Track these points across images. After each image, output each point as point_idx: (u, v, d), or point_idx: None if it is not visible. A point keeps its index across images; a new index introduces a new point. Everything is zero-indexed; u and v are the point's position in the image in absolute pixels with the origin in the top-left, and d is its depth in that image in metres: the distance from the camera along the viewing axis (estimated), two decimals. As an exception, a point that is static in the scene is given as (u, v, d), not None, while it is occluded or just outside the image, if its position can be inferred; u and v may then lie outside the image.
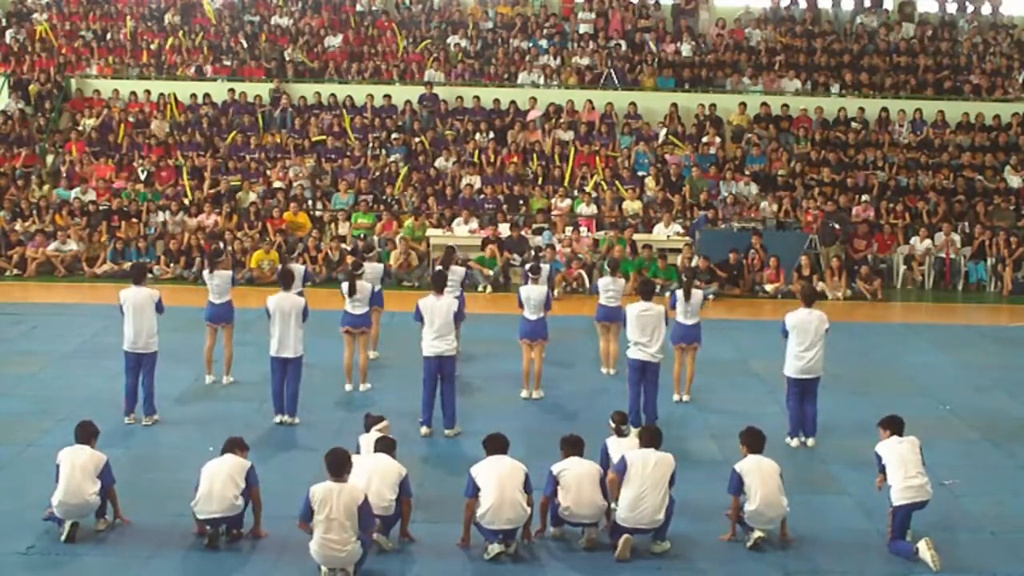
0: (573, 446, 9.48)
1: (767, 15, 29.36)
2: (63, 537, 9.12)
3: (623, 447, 9.67)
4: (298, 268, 14.51)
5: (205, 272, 14.14)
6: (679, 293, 13.41)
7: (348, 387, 13.67)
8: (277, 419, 12.27)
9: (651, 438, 9.48)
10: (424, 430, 12.06)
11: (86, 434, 9.53)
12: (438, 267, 14.57)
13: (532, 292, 13.64)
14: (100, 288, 20.56)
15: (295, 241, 21.74)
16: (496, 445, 9.37)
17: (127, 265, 21.36)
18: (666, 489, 9.18)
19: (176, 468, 10.73)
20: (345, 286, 13.56)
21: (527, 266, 14.62)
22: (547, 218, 22.56)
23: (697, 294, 13.49)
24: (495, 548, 9.01)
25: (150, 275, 21.01)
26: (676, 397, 13.48)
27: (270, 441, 11.69)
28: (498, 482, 9.00)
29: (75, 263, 21.63)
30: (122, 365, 12.33)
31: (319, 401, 13.03)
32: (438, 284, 12.45)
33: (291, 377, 12.29)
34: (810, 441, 12.06)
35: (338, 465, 8.65)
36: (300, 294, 13.34)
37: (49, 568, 8.87)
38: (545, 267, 15.45)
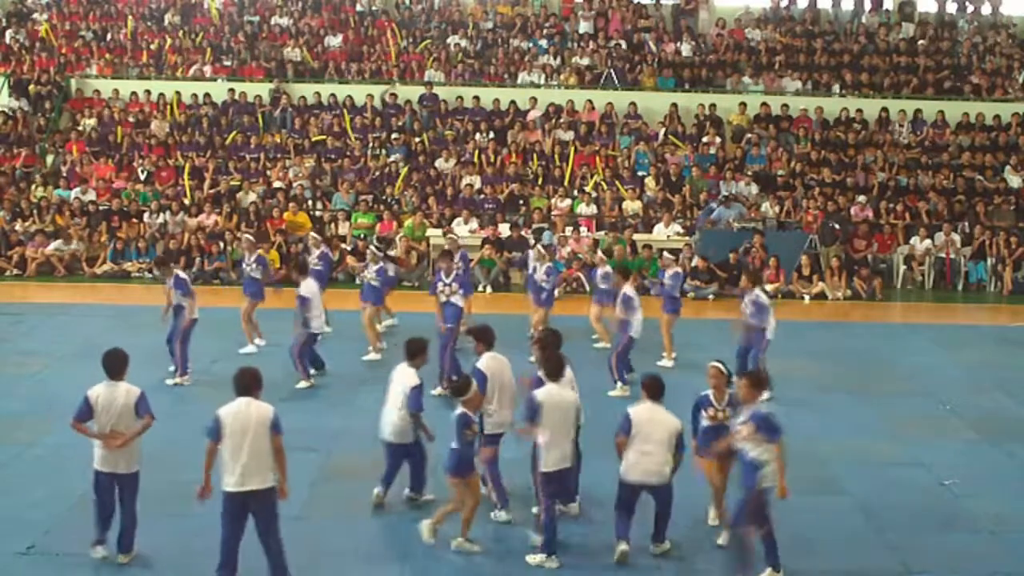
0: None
1: (767, 15, 29.38)
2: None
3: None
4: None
5: (247, 254, 15.87)
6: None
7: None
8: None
9: (654, 389, 9.16)
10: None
11: (117, 365, 8.97)
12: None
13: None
14: (100, 288, 20.59)
15: (295, 241, 21.74)
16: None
17: (127, 265, 21.47)
18: (671, 450, 8.99)
19: (176, 470, 10.67)
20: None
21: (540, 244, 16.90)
22: (545, 217, 22.57)
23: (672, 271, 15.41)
24: None
25: (149, 275, 21.22)
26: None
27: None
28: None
29: (75, 263, 21.64)
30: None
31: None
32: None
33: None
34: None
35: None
36: None
37: (49, 568, 8.87)
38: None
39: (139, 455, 8.84)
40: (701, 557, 9.28)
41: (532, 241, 17.34)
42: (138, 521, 8.87)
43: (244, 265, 15.98)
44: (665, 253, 16.61)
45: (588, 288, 20.53)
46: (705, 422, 9.41)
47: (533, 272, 16.15)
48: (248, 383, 8.32)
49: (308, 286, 13.99)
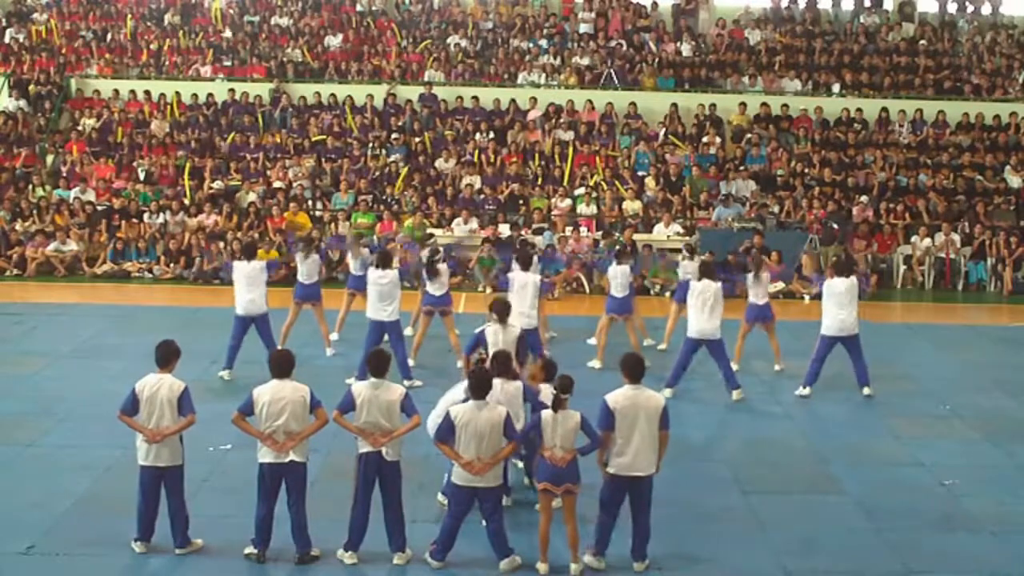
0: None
1: (767, 15, 29.39)
2: None
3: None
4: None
5: (299, 255, 15.37)
6: (749, 276, 14.73)
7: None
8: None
9: (633, 370, 8.71)
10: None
11: (165, 356, 9.14)
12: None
13: (619, 272, 14.81)
14: (100, 288, 20.58)
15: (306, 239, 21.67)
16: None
17: (127, 265, 21.46)
18: (656, 432, 8.61)
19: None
20: (425, 272, 14.98)
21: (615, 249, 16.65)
22: (545, 217, 22.56)
23: (765, 275, 14.81)
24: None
25: (150, 275, 21.23)
26: (777, 367, 14.83)
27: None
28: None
29: (75, 263, 21.63)
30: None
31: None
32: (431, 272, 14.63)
33: (393, 341, 13.57)
34: (866, 390, 13.77)
35: None
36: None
37: (49, 568, 8.86)
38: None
39: (181, 448, 8.99)
40: (701, 557, 9.27)
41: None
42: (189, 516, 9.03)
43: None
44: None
45: (588, 289, 20.71)
46: None
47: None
48: (383, 364, 8.98)
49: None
